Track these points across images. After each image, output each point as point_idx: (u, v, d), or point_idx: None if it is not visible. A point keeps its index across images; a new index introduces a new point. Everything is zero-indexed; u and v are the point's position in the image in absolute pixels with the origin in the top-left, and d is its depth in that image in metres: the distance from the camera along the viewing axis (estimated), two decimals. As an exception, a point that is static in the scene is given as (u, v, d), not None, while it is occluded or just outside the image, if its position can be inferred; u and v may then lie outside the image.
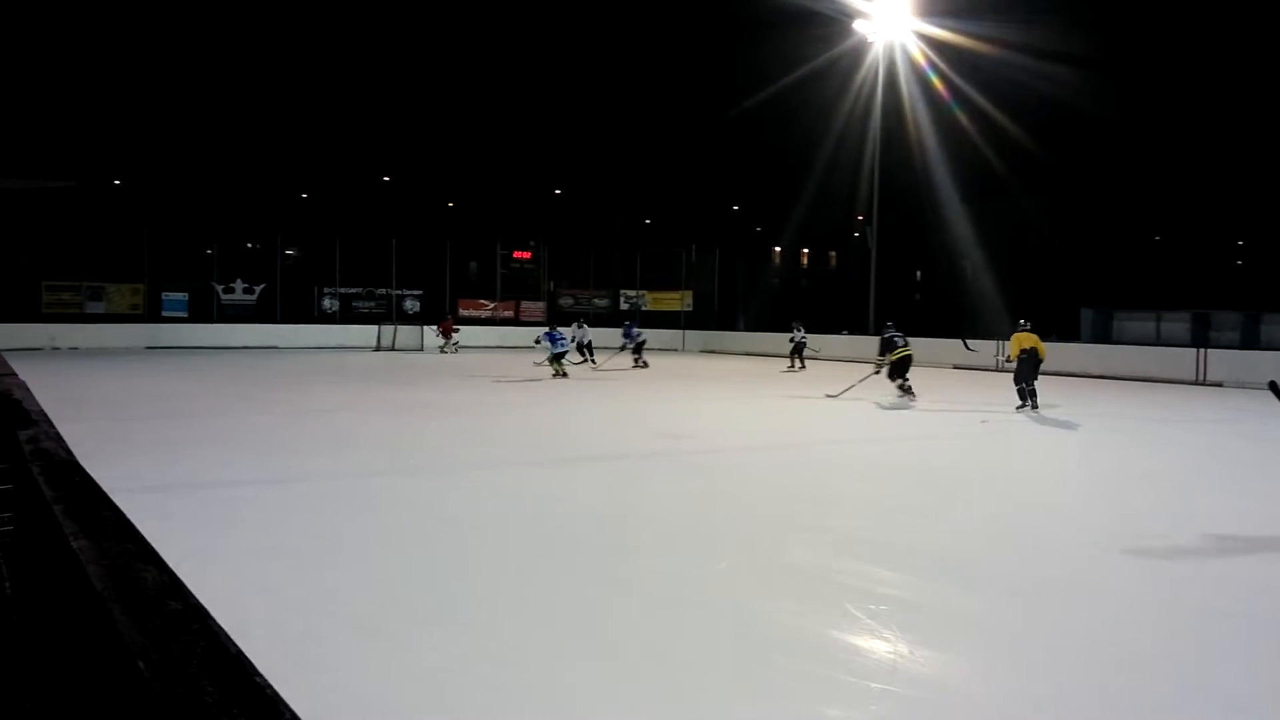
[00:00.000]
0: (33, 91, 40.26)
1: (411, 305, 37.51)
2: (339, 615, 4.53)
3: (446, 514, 6.96)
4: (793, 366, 25.07)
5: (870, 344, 30.95)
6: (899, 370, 16.75)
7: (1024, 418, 13.92)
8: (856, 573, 5.37)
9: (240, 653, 1.20)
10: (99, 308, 32.92)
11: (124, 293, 33.54)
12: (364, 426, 12.36)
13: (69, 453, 3.16)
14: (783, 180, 48.32)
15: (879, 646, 4.19)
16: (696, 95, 49.85)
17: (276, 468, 8.81)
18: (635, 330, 26.30)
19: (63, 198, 34.35)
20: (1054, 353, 25.31)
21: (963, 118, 36.70)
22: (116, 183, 45.40)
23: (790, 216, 49.48)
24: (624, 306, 41.15)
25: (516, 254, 43.58)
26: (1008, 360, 15.71)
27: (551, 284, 42.77)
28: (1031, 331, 15.15)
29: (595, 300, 41.90)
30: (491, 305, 39.63)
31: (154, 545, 1.87)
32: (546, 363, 20.71)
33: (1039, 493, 8.39)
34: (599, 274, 42.56)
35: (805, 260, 61.71)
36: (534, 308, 40.72)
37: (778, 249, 57.97)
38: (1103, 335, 34.73)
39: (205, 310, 34.52)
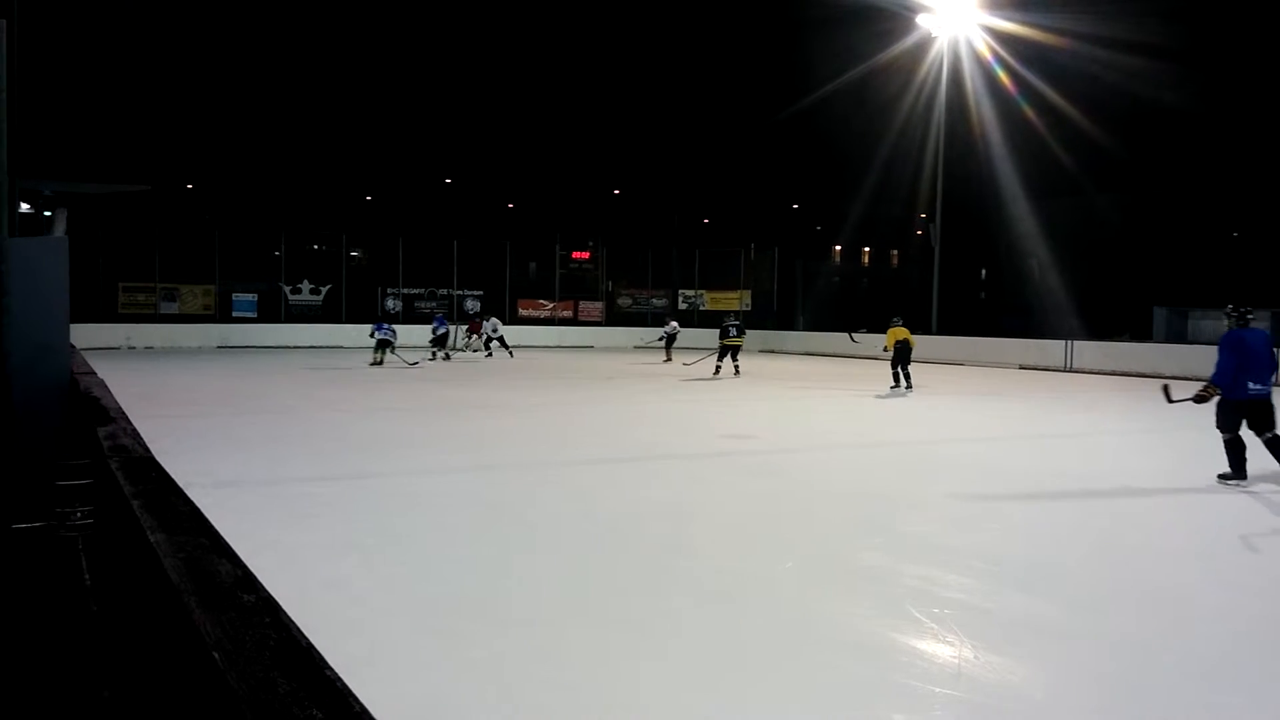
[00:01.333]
0: (111, 100, 41.70)
1: (472, 305, 37.95)
2: (405, 611, 4.60)
3: (509, 511, 7.03)
4: (668, 359, 26.67)
5: (933, 343, 30.56)
6: (728, 354, 21.45)
7: (1101, 422, 13.57)
8: (920, 575, 5.29)
9: (311, 646, 1.23)
10: (172, 308, 33.96)
11: (196, 294, 34.55)
12: (427, 425, 12.55)
13: (146, 449, 3.27)
14: (843, 178, 47.84)
15: (942, 650, 4.12)
16: (756, 93, 49.65)
17: (343, 464, 8.98)
18: (672, 324, 28.50)
19: (139, 201, 35.48)
20: (1125, 353, 24.82)
21: (1030, 112, 35.93)
22: (190, 187, 46.78)
23: (851, 214, 48.95)
24: (682, 306, 41.12)
25: (575, 254, 43.80)
26: (885, 350, 18.49)
27: (609, 284, 42.90)
28: (903, 326, 18.32)
29: (653, 300, 41.93)
30: (550, 305, 39.91)
31: (225, 540, 1.92)
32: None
33: (1111, 498, 8.16)
34: (657, 274, 42.57)
35: (866, 259, 60.98)
36: (592, 308, 40.90)
37: (838, 247, 57.40)
38: (1178, 334, 33.73)
39: (273, 310, 35.39)
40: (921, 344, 31.03)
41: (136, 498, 2.16)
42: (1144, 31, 32.82)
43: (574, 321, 39.80)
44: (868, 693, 3.72)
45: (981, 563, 5.62)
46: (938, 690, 3.70)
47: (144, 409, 10.61)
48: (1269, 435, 8.16)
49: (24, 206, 26.89)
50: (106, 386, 5.79)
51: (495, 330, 28.64)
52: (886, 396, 17.16)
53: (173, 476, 2.73)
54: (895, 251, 59.82)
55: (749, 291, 40.45)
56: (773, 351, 35.45)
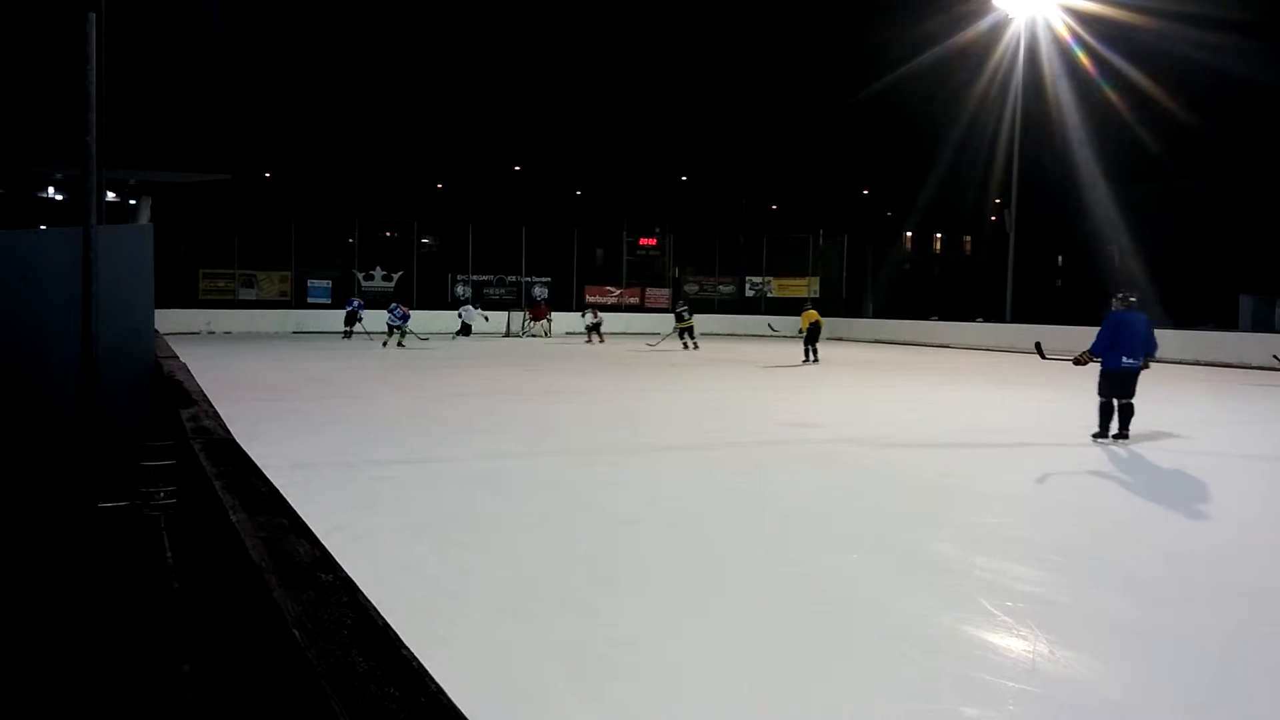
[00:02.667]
0: (194, 91, 42.93)
1: (540, 292, 38.29)
2: (477, 593, 4.67)
3: (578, 497, 7.08)
4: (590, 341, 28.99)
5: (1006, 331, 29.86)
6: (684, 334, 26.19)
7: (1174, 416, 13.12)
8: (992, 568, 5.18)
9: (387, 625, 1.24)
10: (250, 294, 34.95)
11: (273, 280, 35.49)
12: (498, 410, 12.70)
13: (227, 431, 3.36)
14: (915, 163, 46.94)
15: (1016, 645, 4.03)
16: (827, 77, 48.92)
17: (416, 448, 9.14)
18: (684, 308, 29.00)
19: (219, 190, 36.54)
20: (1209, 342, 23.91)
21: (1112, 94, 34.76)
22: (267, 176, 47.99)
23: (922, 200, 48.02)
24: (749, 293, 40.88)
25: (642, 241, 43.83)
26: (800, 332, 21.60)
27: (676, 270, 42.84)
28: (814, 310, 21.84)
29: (720, 287, 41.76)
30: (618, 292, 40.04)
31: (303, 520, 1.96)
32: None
33: (1192, 492, 7.89)
34: (724, 260, 42.37)
35: (938, 245, 59.78)
36: (659, 294, 40.89)
37: (908, 234, 56.37)
38: (1264, 322, 32.40)
39: (347, 296, 36.16)
40: (994, 332, 30.47)
41: (218, 478, 2.22)
42: (1235, 7, 31.45)
43: (640, 308, 39.86)
44: (938, 686, 3.66)
45: (1056, 556, 5.48)
46: (1011, 685, 3.63)
47: (222, 392, 10.93)
48: (1126, 401, 9.95)
49: (110, 195, 27.91)
50: (189, 370, 5.98)
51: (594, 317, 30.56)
52: (954, 386, 16.83)
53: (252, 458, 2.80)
54: (968, 238, 58.53)
55: (817, 278, 40.02)
56: (840, 339, 35.02)
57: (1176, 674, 3.87)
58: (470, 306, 31.73)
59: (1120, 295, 10.47)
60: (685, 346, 26.00)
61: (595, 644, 4.04)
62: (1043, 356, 10.14)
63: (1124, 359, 9.89)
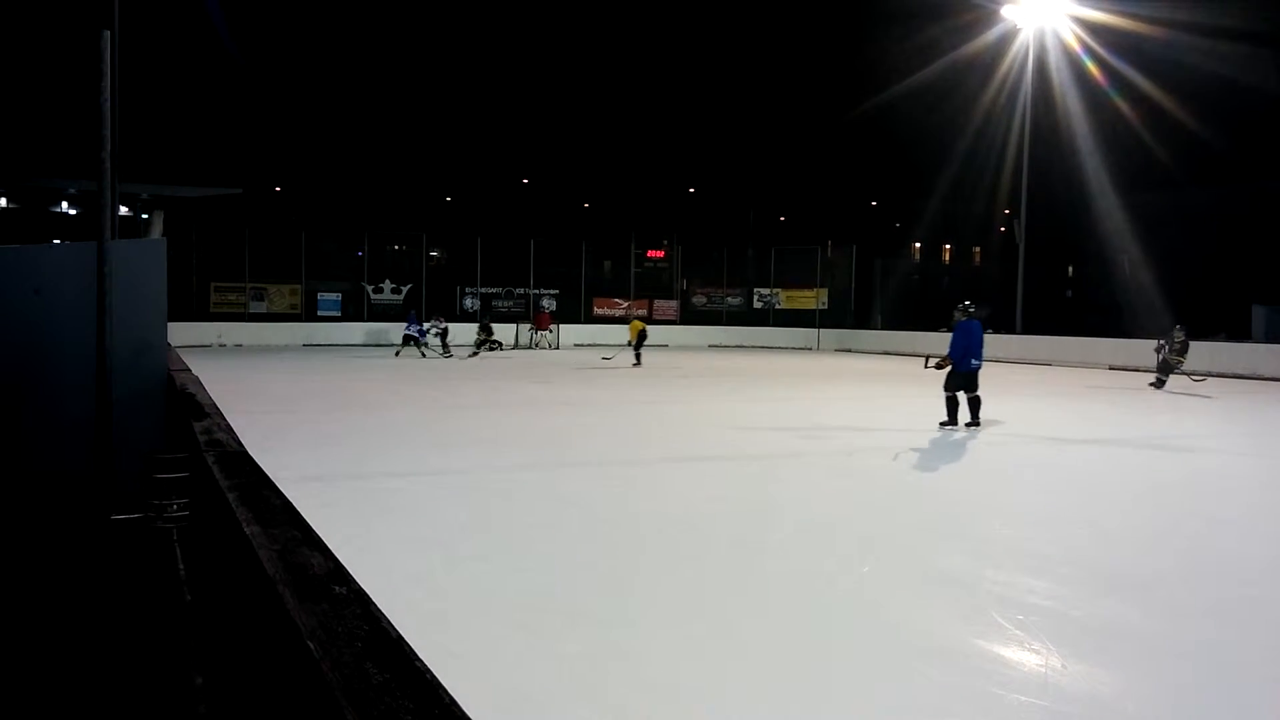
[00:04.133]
0: (205, 106, 43.28)
1: (548, 304, 38.34)
2: (486, 605, 4.67)
3: (589, 509, 7.08)
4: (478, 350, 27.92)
5: (1018, 343, 29.75)
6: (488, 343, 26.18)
7: (1186, 426, 13.04)
8: (1004, 580, 5.16)
9: (401, 638, 1.25)
10: (261, 307, 35.09)
11: (283, 293, 35.63)
12: (507, 422, 12.71)
13: (239, 443, 3.38)
14: (924, 174, 46.92)
15: (1028, 658, 4.01)
16: (834, 89, 49.02)
17: (425, 460, 9.16)
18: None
19: (230, 204, 36.73)
20: (1221, 353, 23.73)
21: (1122, 105, 34.70)
22: (278, 189, 48.26)
23: (931, 211, 48.00)
24: (757, 305, 40.86)
25: (650, 253, 43.88)
26: (629, 343, 24.05)
27: (684, 282, 42.85)
28: (639, 320, 25.16)
29: (728, 299, 41.75)
30: (625, 304, 40.04)
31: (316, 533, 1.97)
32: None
33: (1205, 503, 7.85)
34: (732, 272, 42.36)
35: (947, 256, 59.69)
36: (667, 306, 40.89)
37: (917, 245, 56.31)
38: (1277, 334, 32.20)
39: (356, 309, 36.29)
40: (1006, 343, 30.36)
41: (232, 490, 2.23)
42: (1246, 16, 31.39)
43: (648, 320, 39.85)
44: (950, 700, 3.64)
45: (1069, 568, 5.45)
46: (1023, 699, 3.61)
47: (234, 405, 10.97)
48: (974, 395, 11.60)
49: (123, 209, 28.07)
50: (201, 383, 6.01)
51: (440, 326, 28.13)
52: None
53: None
54: (977, 249, 58.42)
55: (825, 290, 39.96)
56: (849, 350, 34.98)
57: (1191, 688, 3.84)
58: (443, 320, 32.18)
59: (962, 306, 11.97)
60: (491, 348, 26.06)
61: (606, 656, 4.03)
62: (926, 366, 12.17)
63: (972, 361, 11.55)
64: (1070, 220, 44.09)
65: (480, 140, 50.82)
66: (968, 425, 11.61)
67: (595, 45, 50.55)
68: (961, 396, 11.74)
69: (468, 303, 37.73)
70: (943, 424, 11.71)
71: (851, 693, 3.72)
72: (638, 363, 23.59)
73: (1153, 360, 19.39)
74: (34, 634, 4.02)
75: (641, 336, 24.25)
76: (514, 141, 51.22)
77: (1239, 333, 30.09)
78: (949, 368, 11.72)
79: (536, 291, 38.85)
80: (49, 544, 5.23)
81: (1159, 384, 18.64)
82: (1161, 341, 19.09)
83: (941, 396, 12.01)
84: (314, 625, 1.27)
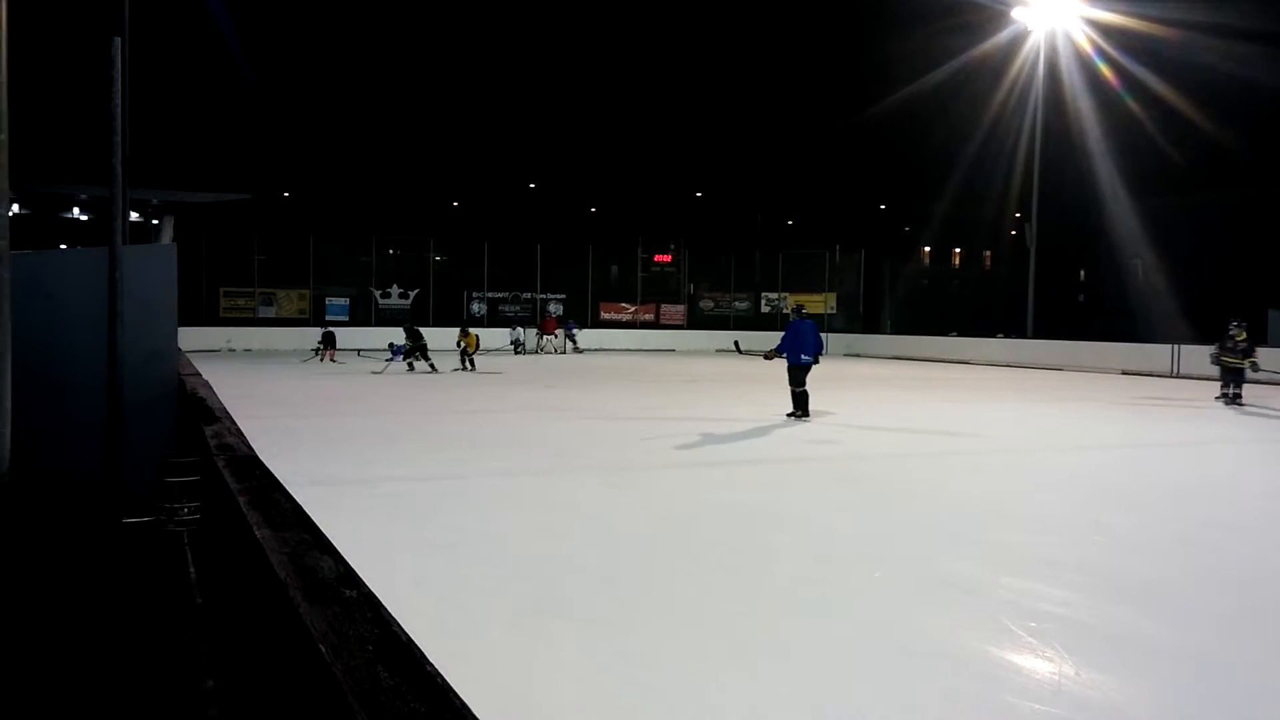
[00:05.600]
0: (214, 112, 43.50)
1: (555, 309, 38.39)
2: (491, 609, 4.66)
3: (593, 514, 7.07)
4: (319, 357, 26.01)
5: (1029, 347, 29.64)
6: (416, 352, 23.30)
7: (1201, 431, 12.96)
8: (1016, 587, 5.12)
9: (411, 641, 1.25)
10: (270, 312, 35.24)
11: (292, 298, 35.78)
12: (513, 426, 12.71)
13: (249, 447, 3.38)
14: (933, 177, 46.84)
15: (1041, 666, 3.98)
16: (843, 92, 48.98)
17: (431, 465, 9.16)
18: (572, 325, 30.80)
19: (239, 209, 36.91)
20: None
21: (1135, 107, 34.55)
22: (286, 195, 48.46)
23: (941, 215, 47.87)
24: (765, 309, 40.82)
25: (657, 257, 43.89)
26: (460, 344, 23.52)
27: (691, 287, 42.85)
28: (473, 332, 24.23)
29: (736, 303, 41.71)
30: (632, 309, 40.07)
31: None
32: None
33: (1221, 510, 7.80)
34: (740, 276, 42.34)
35: (957, 260, 59.54)
36: (674, 311, 40.90)
37: (927, 249, 56.18)
38: (1294, 338, 31.97)
39: (364, 314, 36.38)
40: (1016, 348, 30.24)
41: (242, 494, 2.23)
42: (1260, 17, 31.20)
43: (655, 325, 39.87)
44: (961, 708, 3.62)
45: (1082, 576, 5.42)
46: (1036, 707, 3.58)
47: (243, 409, 11.00)
48: (801, 390, 13.03)
49: (133, 215, 28.21)
50: (211, 387, 6.03)
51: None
52: (975, 402, 16.73)
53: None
54: (988, 252, 58.27)
55: (834, 294, 39.91)
56: (858, 355, 34.90)
57: (1205, 696, 3.81)
58: (520, 327, 33.22)
59: (795, 307, 14.13)
60: (465, 367, 23.31)
61: (612, 662, 4.02)
62: (739, 352, 13.69)
63: (803, 356, 12.93)
64: (1082, 224, 43.91)
65: (487, 145, 50.97)
66: (789, 415, 13.01)
67: (601, 50, 50.66)
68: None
69: (475, 307, 37.82)
70: (790, 414, 13.06)
71: (860, 700, 3.69)
72: (463, 367, 23.18)
73: (1167, 367, 19.13)
74: (47, 636, 4.04)
75: (475, 343, 24.16)
76: (520, 146, 51.35)
77: (1256, 337, 29.89)
78: (773, 359, 13.53)
79: (543, 296, 38.90)
80: (61, 547, 5.24)
81: (1232, 398, 16.07)
82: (1217, 346, 16.59)
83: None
84: (325, 629, 1.27)
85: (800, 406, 13.09)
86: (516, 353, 32.22)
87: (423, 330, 25.15)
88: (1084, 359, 27.44)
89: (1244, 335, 16.17)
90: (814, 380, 12.83)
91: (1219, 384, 16.60)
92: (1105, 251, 44.24)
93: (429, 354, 23.26)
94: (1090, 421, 13.84)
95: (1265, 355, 23.35)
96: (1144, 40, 31.06)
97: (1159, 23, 30.27)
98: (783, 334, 13.34)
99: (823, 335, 13.68)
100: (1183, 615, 4.79)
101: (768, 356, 13.81)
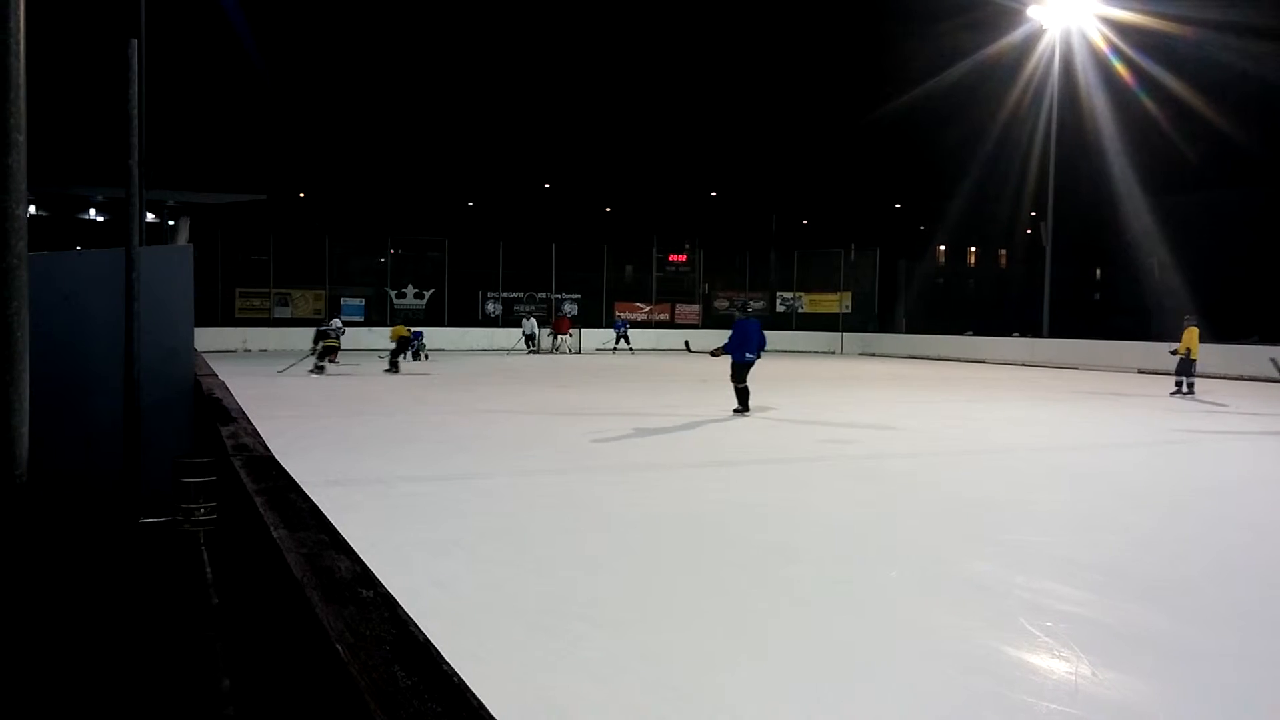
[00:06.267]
0: (230, 114, 43.74)
1: (570, 308, 38.43)
2: (509, 609, 4.67)
3: (612, 513, 7.07)
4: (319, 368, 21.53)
5: (1045, 346, 29.48)
6: (327, 353, 21.82)
7: (1220, 430, 12.86)
8: (1033, 587, 5.09)
9: (428, 641, 1.24)
10: (285, 312, 35.41)
11: (307, 298, 35.93)
12: (526, 426, 12.73)
13: (266, 448, 3.40)
14: (948, 176, 46.66)
15: (1058, 666, 3.96)
16: (858, 91, 48.84)
17: (447, 464, 9.19)
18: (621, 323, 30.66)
19: (255, 210, 37.11)
20: (1253, 356, 23.36)
21: (1151, 105, 34.29)
22: (302, 195, 48.69)
23: (956, 213, 47.67)
24: (780, 309, 40.75)
25: (672, 256, 43.89)
26: (326, 353, 21.90)
27: (706, 286, 42.82)
28: (403, 325, 23.61)
29: (751, 302, 41.63)
30: (647, 308, 40.07)
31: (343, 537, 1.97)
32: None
33: (1239, 508, 7.73)
34: (754, 275, 42.28)
35: (972, 259, 59.28)
36: (689, 310, 40.88)
37: (942, 247, 55.95)
38: (1312, 337, 31.67)
39: (380, 314, 36.51)
40: (1031, 347, 30.08)
41: (259, 495, 2.24)
42: (1278, 14, 30.91)
43: (670, 324, 39.86)
44: (977, 707, 3.60)
45: (1100, 575, 5.38)
46: (1053, 707, 3.55)
47: (259, 409, 11.05)
48: (742, 386, 13.46)
49: (149, 216, 28.39)
50: (227, 388, 6.06)
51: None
52: (991, 401, 16.65)
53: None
54: (1003, 251, 57.99)
55: (849, 293, 39.79)
56: (873, 354, 34.80)
57: (1225, 697, 3.77)
58: (532, 319, 33.38)
59: (741, 305, 15.02)
60: (321, 368, 20.99)
61: (629, 660, 4.02)
62: (689, 350, 14.39)
63: (746, 354, 13.44)
64: (1098, 222, 43.62)
65: (502, 145, 51.12)
66: (735, 410, 13.46)
67: (616, 50, 50.68)
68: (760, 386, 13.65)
69: (490, 307, 37.91)
70: (735, 410, 13.51)
71: (876, 699, 3.68)
72: (392, 369, 21.66)
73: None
74: (64, 635, 4.06)
75: (402, 343, 22.64)
76: (536, 146, 51.47)
77: (1272, 335, 29.62)
78: (720, 356, 14.02)
79: (558, 296, 38.96)
80: (79, 547, 5.28)
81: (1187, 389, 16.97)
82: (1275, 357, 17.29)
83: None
84: (342, 628, 1.27)
85: (742, 402, 13.53)
86: (529, 351, 32.35)
87: (443, 331, 25.86)
88: (1100, 357, 27.28)
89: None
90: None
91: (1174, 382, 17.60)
92: (1121, 250, 43.93)
93: (337, 354, 22.10)
94: (1107, 420, 13.74)
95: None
96: (1160, 38, 30.85)
97: (1175, 20, 30.05)
98: (729, 332, 13.76)
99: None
100: (1202, 615, 4.75)
101: (714, 354, 14.35)
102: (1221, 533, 6.74)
